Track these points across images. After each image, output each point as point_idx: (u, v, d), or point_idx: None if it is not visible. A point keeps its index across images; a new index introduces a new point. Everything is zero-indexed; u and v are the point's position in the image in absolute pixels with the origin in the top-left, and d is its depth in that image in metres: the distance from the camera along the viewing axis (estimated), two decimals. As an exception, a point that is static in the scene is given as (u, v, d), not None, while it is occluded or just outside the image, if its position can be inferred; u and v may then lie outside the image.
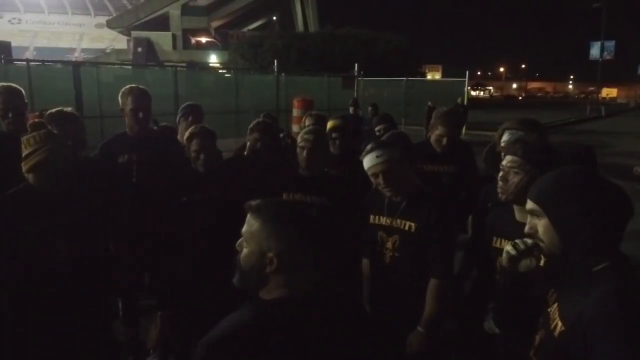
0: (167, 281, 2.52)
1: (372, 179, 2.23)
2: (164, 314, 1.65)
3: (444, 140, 3.09)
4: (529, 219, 1.31)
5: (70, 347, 2.16)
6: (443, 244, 2.14)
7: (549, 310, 1.31)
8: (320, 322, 1.20)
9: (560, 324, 1.21)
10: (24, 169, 2.06)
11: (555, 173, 1.28)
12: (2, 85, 2.81)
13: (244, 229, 1.24)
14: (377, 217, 2.31)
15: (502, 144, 2.42)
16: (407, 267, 2.19)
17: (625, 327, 1.03)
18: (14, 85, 2.87)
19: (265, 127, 3.06)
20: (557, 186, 1.24)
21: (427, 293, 2.13)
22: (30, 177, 2.08)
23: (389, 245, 2.24)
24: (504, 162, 1.94)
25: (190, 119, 3.57)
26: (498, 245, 1.98)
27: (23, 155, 2.05)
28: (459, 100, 16.11)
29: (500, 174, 1.93)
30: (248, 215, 1.24)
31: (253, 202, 1.24)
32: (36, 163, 2.02)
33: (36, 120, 2.28)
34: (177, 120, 3.73)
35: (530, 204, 1.29)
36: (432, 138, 3.17)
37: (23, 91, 2.88)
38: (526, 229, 1.32)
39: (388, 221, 2.25)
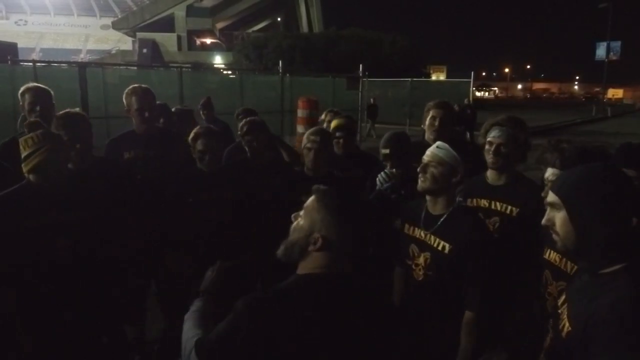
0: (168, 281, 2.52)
1: (420, 172, 1.98)
2: (222, 265, 1.63)
3: (437, 122, 2.83)
4: (547, 211, 1.28)
5: (76, 344, 2.16)
6: (480, 272, 1.87)
7: (558, 311, 1.30)
8: (349, 301, 1.29)
9: (567, 324, 1.20)
10: (24, 170, 2.05)
11: (582, 168, 1.24)
12: None
13: (307, 203, 1.36)
14: (411, 227, 2.07)
15: (489, 139, 2.30)
16: (440, 289, 1.95)
17: (636, 336, 1.01)
18: None
19: (254, 126, 2.98)
20: (581, 180, 1.20)
21: (462, 327, 1.89)
22: (31, 177, 2.07)
23: (420, 261, 1.99)
24: (546, 175, 1.90)
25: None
26: (474, 204, 2.05)
27: (22, 156, 2.03)
28: (465, 101, 16.09)
29: (545, 189, 1.84)
30: (313, 196, 1.36)
31: (321, 187, 1.36)
32: (37, 164, 2.01)
33: (32, 120, 2.25)
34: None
35: (551, 196, 1.26)
36: (427, 123, 2.91)
37: None
38: (543, 221, 1.29)
39: (422, 235, 2.00)
